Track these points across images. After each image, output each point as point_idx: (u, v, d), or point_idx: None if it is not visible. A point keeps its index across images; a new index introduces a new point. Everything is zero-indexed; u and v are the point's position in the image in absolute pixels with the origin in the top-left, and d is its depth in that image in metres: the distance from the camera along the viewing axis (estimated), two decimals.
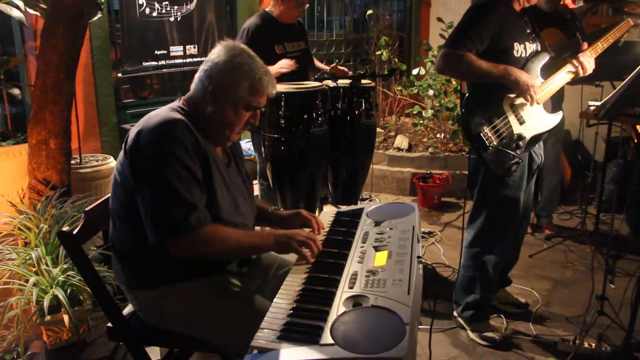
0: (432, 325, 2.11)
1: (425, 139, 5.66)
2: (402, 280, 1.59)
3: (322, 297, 1.58)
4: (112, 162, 3.95)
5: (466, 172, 5.04)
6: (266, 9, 3.79)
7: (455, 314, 3.04)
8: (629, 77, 2.59)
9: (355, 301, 1.52)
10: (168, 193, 1.70)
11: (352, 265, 1.74)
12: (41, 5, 3.32)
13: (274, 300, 1.60)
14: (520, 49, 2.61)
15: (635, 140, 4.46)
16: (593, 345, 2.72)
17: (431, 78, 5.46)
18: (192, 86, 1.90)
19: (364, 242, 1.89)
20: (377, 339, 1.33)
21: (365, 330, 1.38)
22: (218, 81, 1.82)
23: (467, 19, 2.54)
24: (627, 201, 4.39)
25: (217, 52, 1.86)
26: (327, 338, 1.36)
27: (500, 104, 2.60)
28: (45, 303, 2.50)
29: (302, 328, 1.43)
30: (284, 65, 3.55)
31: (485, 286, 2.85)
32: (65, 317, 2.56)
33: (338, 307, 1.50)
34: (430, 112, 5.42)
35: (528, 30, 2.66)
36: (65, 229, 1.82)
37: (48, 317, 2.61)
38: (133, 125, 1.83)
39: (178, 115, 1.80)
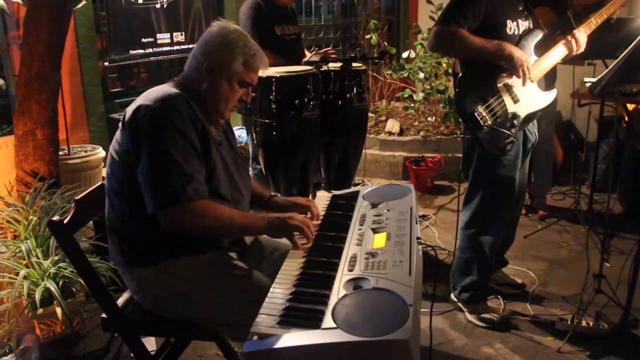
0: (432, 307, 2.09)
1: (416, 123, 5.63)
2: (402, 261, 1.57)
3: (321, 280, 1.56)
4: (101, 153, 3.88)
5: (458, 155, 5.04)
6: None
7: (452, 296, 3.02)
8: (624, 52, 2.56)
9: (356, 284, 1.50)
10: (166, 162, 1.70)
11: (350, 247, 1.71)
12: None
13: (273, 284, 1.57)
14: (513, 27, 2.57)
15: (627, 119, 4.47)
16: (591, 323, 2.72)
17: (421, 61, 5.42)
18: (186, 66, 1.93)
19: (361, 225, 1.86)
20: (381, 321, 1.30)
21: (367, 312, 1.36)
22: (214, 56, 1.86)
23: None
24: (619, 180, 4.39)
25: (211, 32, 1.90)
26: (328, 322, 1.33)
27: (494, 82, 2.56)
28: (37, 296, 2.46)
29: (302, 312, 1.41)
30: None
31: (482, 267, 2.84)
32: (58, 310, 2.51)
33: (338, 290, 1.47)
34: (421, 95, 5.38)
35: (520, 8, 2.62)
36: (55, 218, 1.78)
37: (40, 310, 2.57)
38: (121, 115, 1.82)
39: (175, 90, 1.84)
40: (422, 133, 5.36)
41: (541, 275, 3.37)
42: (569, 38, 2.66)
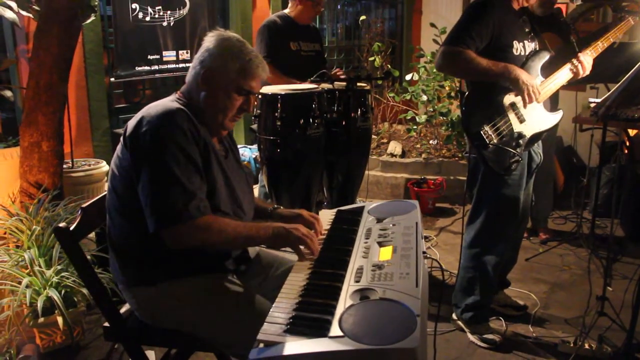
0: (437, 324, 2.08)
1: (418, 145, 5.66)
2: (409, 273, 1.56)
3: (327, 291, 1.54)
4: (104, 167, 3.90)
5: (460, 178, 5.05)
6: (284, 11, 3.96)
7: (454, 316, 3.00)
8: (629, 74, 2.59)
9: (363, 294, 1.49)
10: (168, 180, 1.67)
11: (356, 260, 1.71)
12: (34, 7, 3.28)
13: (279, 295, 1.56)
14: (520, 48, 2.61)
15: (628, 144, 4.50)
16: (594, 346, 2.70)
17: (424, 84, 5.46)
18: (187, 76, 1.90)
19: (367, 238, 1.86)
20: (388, 330, 1.30)
21: (374, 322, 1.35)
22: (209, 65, 1.83)
23: (467, 17, 2.53)
24: (621, 205, 4.40)
25: (208, 40, 1.87)
26: (335, 330, 1.32)
27: (501, 102, 2.59)
28: (39, 304, 2.44)
29: (309, 321, 1.39)
30: None
31: (485, 287, 2.83)
32: (59, 319, 2.50)
33: (345, 300, 1.46)
34: (424, 117, 5.41)
35: (527, 29, 2.66)
36: (61, 225, 1.78)
37: (41, 319, 2.56)
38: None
39: (177, 105, 1.80)
40: (424, 155, 5.38)
41: (543, 298, 3.35)
42: (575, 61, 2.69)
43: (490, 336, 2.84)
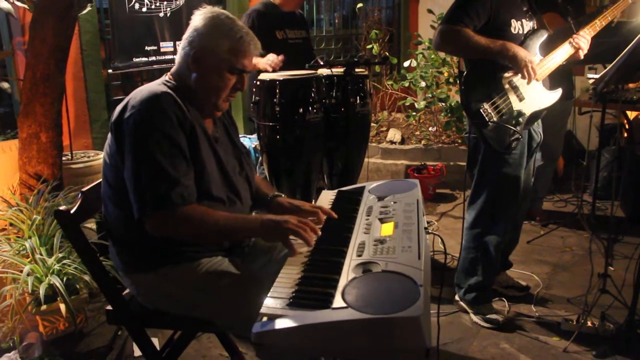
0: (439, 307, 2.08)
1: (418, 132, 5.65)
2: (411, 247, 1.56)
3: (330, 266, 1.55)
4: None
5: (460, 163, 5.05)
6: None
7: (457, 297, 3.00)
8: (625, 50, 2.58)
9: (365, 268, 1.49)
10: (151, 167, 1.64)
11: (358, 236, 1.71)
12: None
13: (281, 271, 1.56)
14: (517, 26, 2.59)
15: (627, 127, 4.49)
16: (596, 324, 2.71)
17: (422, 71, 5.45)
18: (176, 57, 1.85)
19: (368, 215, 1.86)
20: (392, 300, 1.30)
21: (378, 293, 1.35)
22: (198, 45, 1.76)
23: None
24: (621, 187, 4.40)
25: (196, 18, 1.79)
26: (339, 302, 1.32)
27: (500, 80, 2.58)
28: (41, 291, 2.44)
29: (312, 295, 1.40)
30: (270, 61, 3.53)
31: (487, 267, 2.82)
32: (62, 306, 2.50)
33: (347, 274, 1.46)
34: (423, 103, 5.40)
35: (525, 8, 2.64)
36: (62, 208, 1.77)
37: (44, 307, 2.56)
38: None
39: (163, 88, 1.75)
40: (423, 142, 5.37)
41: (545, 279, 3.35)
42: (573, 39, 2.68)
43: (493, 316, 2.84)
